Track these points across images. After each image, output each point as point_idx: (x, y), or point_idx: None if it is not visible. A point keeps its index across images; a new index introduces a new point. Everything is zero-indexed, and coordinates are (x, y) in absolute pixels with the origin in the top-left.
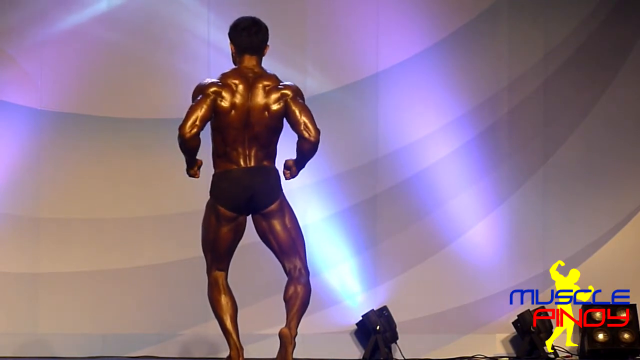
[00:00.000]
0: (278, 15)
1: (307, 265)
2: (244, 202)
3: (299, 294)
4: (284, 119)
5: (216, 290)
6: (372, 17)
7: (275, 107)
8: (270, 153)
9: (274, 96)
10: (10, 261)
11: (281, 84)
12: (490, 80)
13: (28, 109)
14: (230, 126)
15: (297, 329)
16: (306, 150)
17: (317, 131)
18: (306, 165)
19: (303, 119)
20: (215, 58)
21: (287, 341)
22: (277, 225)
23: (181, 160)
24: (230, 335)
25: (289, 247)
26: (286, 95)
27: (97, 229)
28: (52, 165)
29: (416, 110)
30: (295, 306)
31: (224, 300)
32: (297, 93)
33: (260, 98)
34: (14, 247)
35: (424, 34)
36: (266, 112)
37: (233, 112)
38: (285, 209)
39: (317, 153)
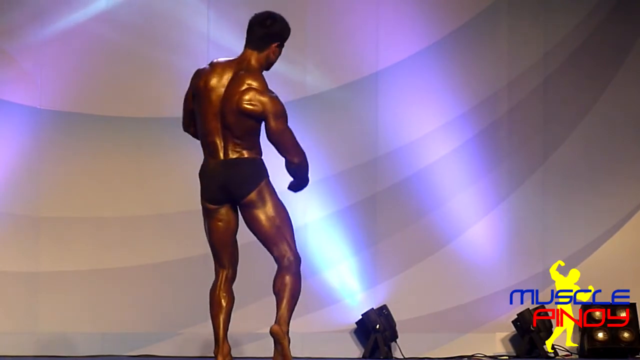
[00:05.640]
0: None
1: (295, 252)
2: (219, 194)
3: (287, 285)
4: (260, 125)
5: (213, 287)
6: (372, 16)
7: (247, 107)
8: (251, 145)
9: (249, 98)
10: (10, 260)
11: (263, 92)
12: (490, 79)
13: (28, 108)
14: (204, 108)
15: (288, 323)
16: (291, 172)
17: (297, 154)
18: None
19: (282, 142)
20: (214, 55)
21: (279, 337)
22: (258, 214)
23: (180, 159)
24: (216, 331)
25: (273, 236)
26: (266, 110)
27: (96, 228)
28: (51, 164)
29: (416, 109)
30: (285, 299)
31: (217, 297)
32: (277, 112)
33: (236, 91)
34: (14, 246)
35: (424, 33)
36: (237, 108)
37: (208, 93)
38: (267, 198)
39: (316, 152)
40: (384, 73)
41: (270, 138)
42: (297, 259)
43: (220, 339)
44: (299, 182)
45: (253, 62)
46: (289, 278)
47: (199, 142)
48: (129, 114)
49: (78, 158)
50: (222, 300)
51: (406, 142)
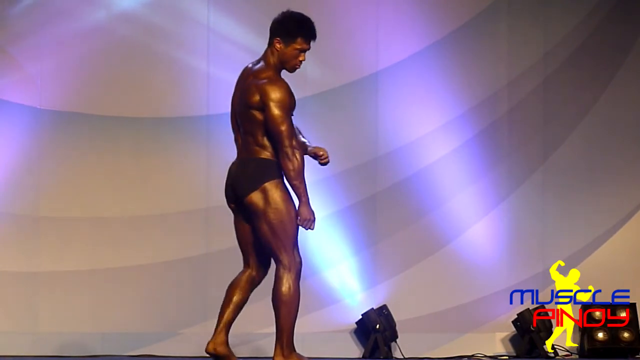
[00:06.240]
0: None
1: (293, 258)
2: (230, 193)
3: (281, 299)
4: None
5: (233, 280)
6: (372, 16)
7: (250, 96)
8: (264, 144)
9: (251, 88)
10: (10, 260)
11: (265, 80)
12: (490, 79)
13: (28, 107)
14: (231, 110)
15: (290, 343)
16: (284, 168)
17: (291, 145)
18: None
19: (278, 131)
20: (214, 55)
21: None
22: (256, 218)
23: (181, 159)
24: (217, 321)
25: (268, 242)
26: (265, 97)
27: (96, 228)
28: (51, 164)
29: (416, 108)
30: (281, 318)
31: (231, 292)
32: (277, 99)
33: (244, 85)
34: (13, 246)
35: (424, 32)
36: (244, 101)
37: (232, 96)
38: (270, 201)
39: None
40: (384, 73)
41: (267, 126)
42: (295, 265)
43: (217, 328)
44: (291, 182)
45: (264, 56)
46: (284, 289)
47: (198, 142)
48: (129, 114)
49: (78, 158)
50: (234, 297)
51: (406, 142)
